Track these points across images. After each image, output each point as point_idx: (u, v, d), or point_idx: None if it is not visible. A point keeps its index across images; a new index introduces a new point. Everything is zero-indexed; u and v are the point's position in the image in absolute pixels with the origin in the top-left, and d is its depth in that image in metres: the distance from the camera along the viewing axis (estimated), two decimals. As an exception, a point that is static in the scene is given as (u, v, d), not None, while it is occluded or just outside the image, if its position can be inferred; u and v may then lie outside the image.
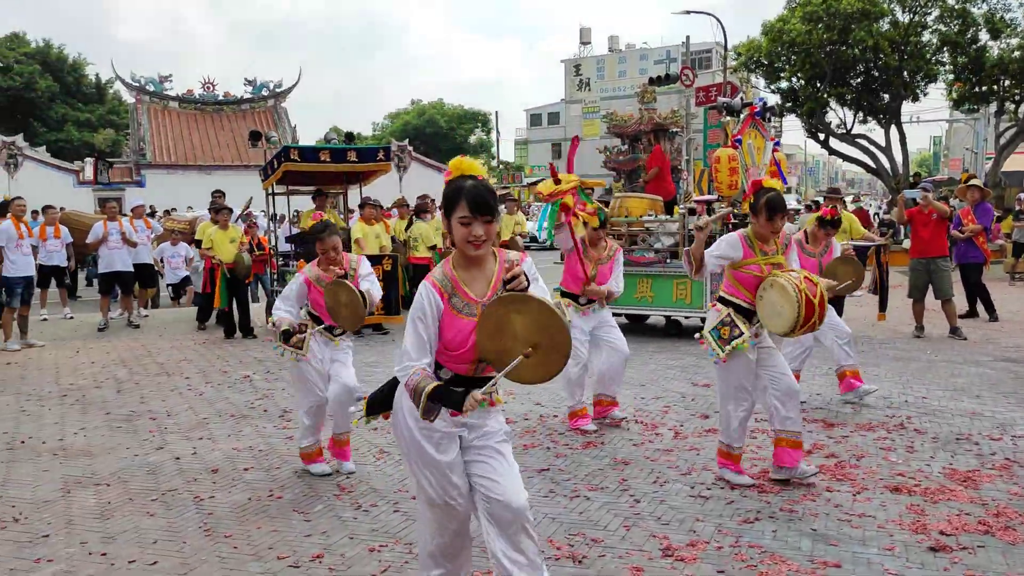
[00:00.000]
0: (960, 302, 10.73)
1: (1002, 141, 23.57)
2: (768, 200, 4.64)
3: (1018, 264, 15.88)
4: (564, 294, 6.29)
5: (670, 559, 3.82)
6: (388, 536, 4.16)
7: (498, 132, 61.59)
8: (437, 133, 61.84)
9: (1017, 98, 21.72)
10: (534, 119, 70.33)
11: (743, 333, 4.70)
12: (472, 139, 66.90)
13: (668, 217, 11.03)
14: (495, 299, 2.76)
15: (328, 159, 10.88)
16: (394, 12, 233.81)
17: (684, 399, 7.05)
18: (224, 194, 13.44)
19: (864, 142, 23.51)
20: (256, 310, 11.86)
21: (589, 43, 67.16)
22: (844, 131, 23.65)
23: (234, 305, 10.94)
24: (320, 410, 5.25)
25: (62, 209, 16.56)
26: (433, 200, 13.27)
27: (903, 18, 21.04)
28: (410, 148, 34.61)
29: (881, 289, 10.40)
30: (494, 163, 60.27)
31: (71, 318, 12.69)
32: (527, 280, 2.76)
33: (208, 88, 37.19)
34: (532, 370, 2.74)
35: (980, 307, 11.18)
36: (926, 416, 6.30)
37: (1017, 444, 5.49)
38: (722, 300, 4.90)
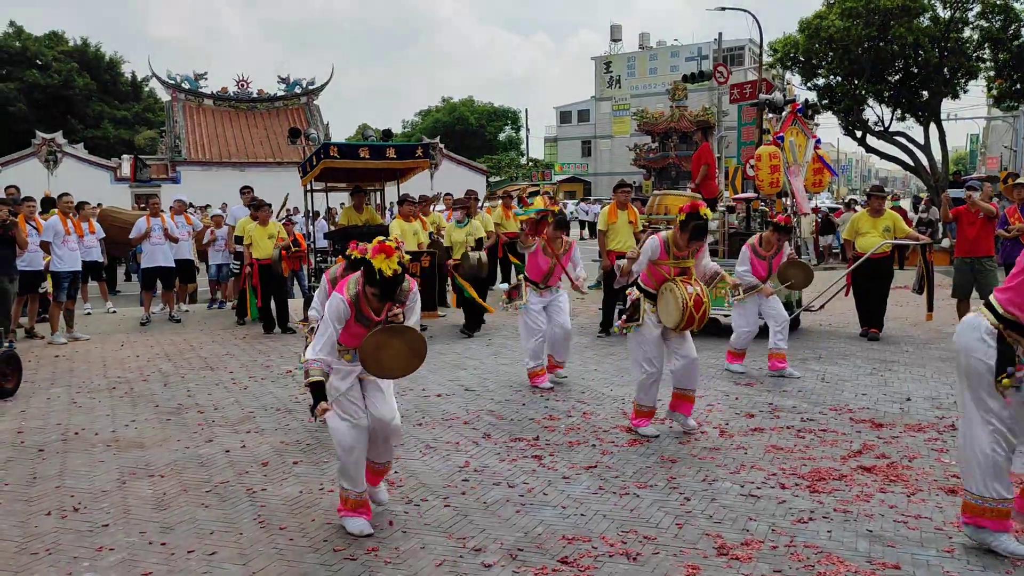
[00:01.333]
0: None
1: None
2: (695, 226, 5.63)
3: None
4: (527, 279, 7.65)
5: (725, 558, 3.81)
6: (440, 531, 4.18)
7: (528, 129, 61.66)
8: (467, 131, 61.93)
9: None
10: (564, 116, 70.23)
11: (639, 318, 5.86)
12: (502, 136, 66.93)
13: (710, 215, 10.96)
14: (382, 328, 3.99)
15: (367, 156, 10.94)
16: (425, 9, 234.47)
17: (728, 397, 7.01)
18: (252, 189, 13.53)
19: (902, 140, 23.20)
20: (294, 305, 11.96)
21: (620, 40, 66.93)
22: (882, 128, 23.35)
23: (272, 301, 11.05)
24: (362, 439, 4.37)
25: (99, 205, 16.83)
26: (476, 198, 13.35)
27: (944, 14, 20.73)
28: (441, 145, 34.73)
29: (928, 288, 10.26)
30: (524, 160, 60.26)
31: (114, 312, 12.88)
32: (403, 316, 4.08)
33: (242, 86, 37.53)
34: (398, 371, 4.10)
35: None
36: (976, 417, 6.21)
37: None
38: (636, 286, 5.99)
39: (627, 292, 6.11)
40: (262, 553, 3.95)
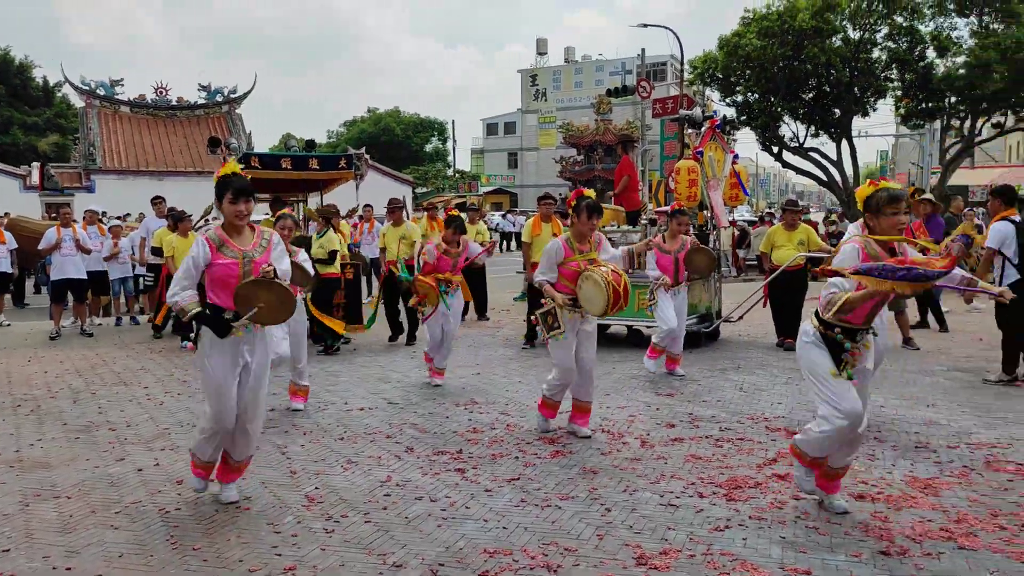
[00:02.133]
0: (912, 313, 11.00)
1: (948, 156, 24.25)
2: (587, 205, 5.88)
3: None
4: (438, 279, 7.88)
5: (644, 567, 3.86)
6: (360, 547, 4.12)
7: (455, 141, 61.70)
8: (393, 141, 61.66)
9: (962, 114, 22.37)
10: (491, 128, 70.52)
11: (560, 326, 5.94)
12: (428, 148, 66.84)
13: (630, 228, 11.15)
14: (251, 280, 4.42)
15: (290, 166, 10.79)
16: (352, 20, 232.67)
17: (649, 408, 7.11)
18: (164, 200, 13.07)
19: (816, 155, 23.99)
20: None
21: (545, 54, 67.65)
22: (797, 144, 24.12)
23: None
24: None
25: (6, 215, 16.14)
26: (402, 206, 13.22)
27: (854, 35, 21.56)
28: (367, 156, 34.38)
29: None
30: (451, 171, 60.23)
31: (7, 325, 12.38)
32: (275, 272, 4.48)
33: (161, 93, 36.60)
34: (269, 320, 4.54)
35: (931, 318, 11.47)
36: (885, 425, 6.44)
37: (973, 452, 5.65)
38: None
39: (542, 301, 6.19)
40: None
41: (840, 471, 4.56)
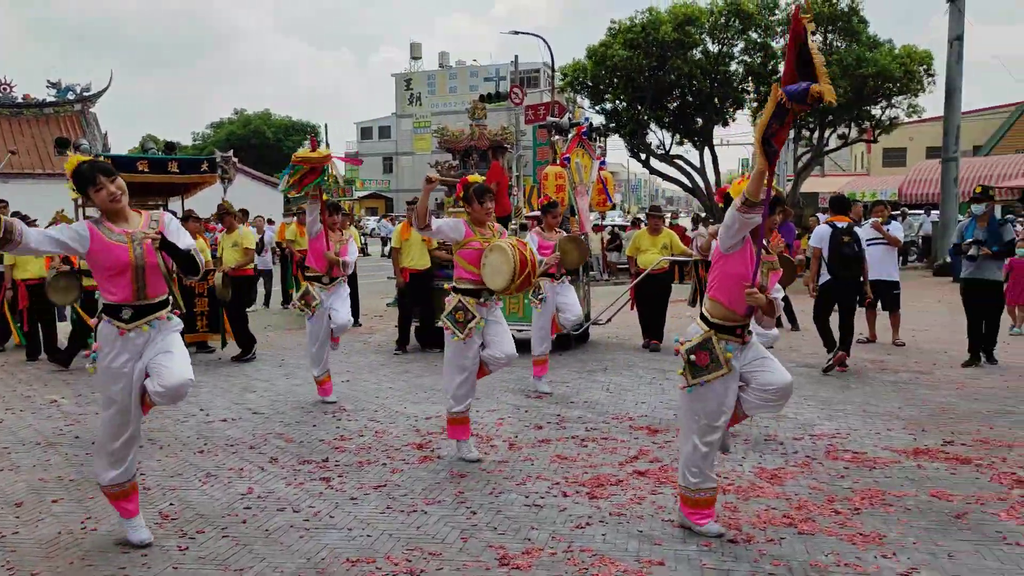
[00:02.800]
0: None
1: (799, 165, 25.69)
2: (475, 190, 5.71)
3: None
4: (308, 276, 7.52)
5: (506, 568, 3.91)
6: (216, 564, 4.00)
7: (328, 145, 60.40)
8: (264, 144, 59.91)
9: (811, 126, 23.74)
10: (365, 132, 69.73)
11: (475, 316, 5.60)
12: (301, 151, 65.30)
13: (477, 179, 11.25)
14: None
15: (146, 169, 10.33)
16: (219, 19, 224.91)
17: (518, 411, 7.21)
18: (7, 204, 12.24)
19: (681, 162, 24.91)
20: (63, 330, 11.02)
21: (420, 58, 67.49)
22: (663, 152, 24.97)
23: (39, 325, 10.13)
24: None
25: None
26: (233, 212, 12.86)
27: (713, 49, 22.53)
28: (235, 159, 33.32)
29: (700, 301, 11.07)
30: (324, 176, 59.11)
31: None
32: (162, 240, 4.02)
33: (5, 90, 34.30)
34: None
35: (784, 318, 12.11)
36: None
37: (816, 443, 6.01)
38: (455, 289, 5.77)
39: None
40: (11, 603, 3.61)
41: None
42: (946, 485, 5.02)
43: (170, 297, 4.25)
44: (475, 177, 6.03)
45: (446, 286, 6.18)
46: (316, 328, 7.48)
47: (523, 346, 10.17)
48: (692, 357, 4.17)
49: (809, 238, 16.41)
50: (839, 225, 9.01)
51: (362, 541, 4.25)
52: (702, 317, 4.27)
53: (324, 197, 7.52)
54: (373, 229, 36.20)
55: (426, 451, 5.95)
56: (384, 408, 7.34)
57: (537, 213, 11.14)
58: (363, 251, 32.71)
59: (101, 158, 10.05)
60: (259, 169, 39.10)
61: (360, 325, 12.90)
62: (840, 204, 9.56)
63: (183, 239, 4.13)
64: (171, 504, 4.84)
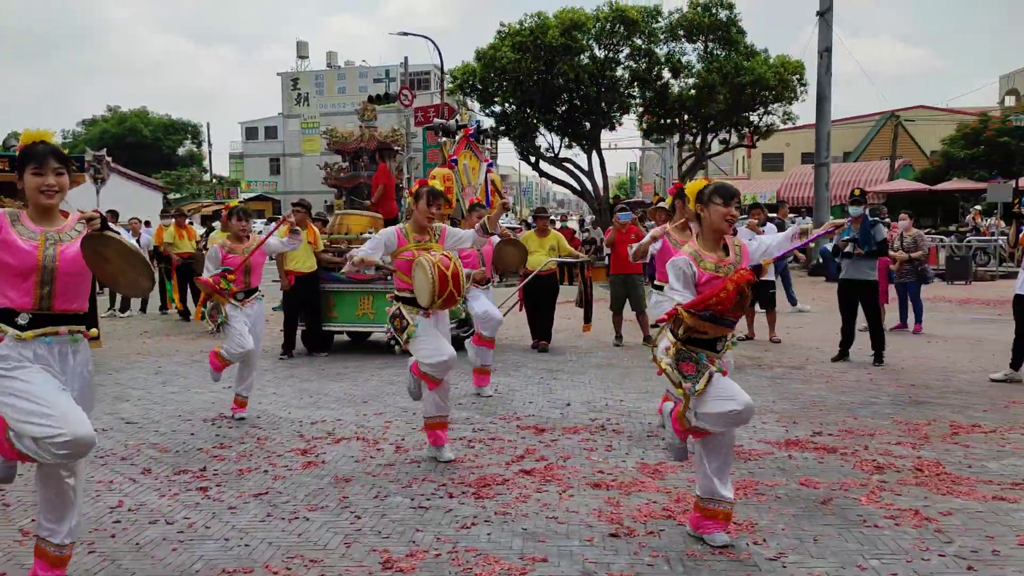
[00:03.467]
0: (652, 312, 11.89)
1: (684, 168, 26.56)
2: (428, 192, 5.57)
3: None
4: (225, 291, 6.82)
5: (390, 571, 3.87)
6: (84, 580, 3.81)
7: (210, 145, 58.63)
8: (141, 143, 57.59)
9: (695, 131, 24.60)
10: (250, 132, 67.84)
11: (411, 322, 5.51)
12: (181, 151, 63.08)
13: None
14: (84, 236, 3.39)
15: (6, 168, 9.75)
16: (92, 10, 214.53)
17: (406, 413, 7.16)
18: None
19: (570, 166, 25.33)
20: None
21: (307, 57, 66.19)
22: (552, 155, 25.33)
23: None
24: None
25: None
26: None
27: (600, 54, 23.02)
28: (108, 159, 31.86)
29: (586, 302, 11.29)
30: (207, 176, 57.25)
31: None
32: (102, 221, 3.41)
33: None
34: (134, 283, 3.60)
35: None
36: (623, 417, 6.92)
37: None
38: (394, 297, 5.70)
39: (387, 309, 5.79)
40: None
41: None
42: (814, 473, 5.27)
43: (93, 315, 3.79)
44: (435, 183, 5.90)
45: (390, 288, 6.07)
46: (233, 347, 6.83)
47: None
48: (678, 369, 3.98)
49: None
50: None
51: (239, 551, 4.13)
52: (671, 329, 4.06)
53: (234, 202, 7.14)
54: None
55: (310, 456, 5.83)
56: (267, 414, 7.16)
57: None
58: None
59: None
60: (136, 169, 37.56)
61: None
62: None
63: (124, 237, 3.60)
64: (32, 520, 4.57)
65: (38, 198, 3.46)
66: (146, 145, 57.96)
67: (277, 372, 9.19)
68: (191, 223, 16.80)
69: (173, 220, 14.11)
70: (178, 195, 48.24)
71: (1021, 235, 8.17)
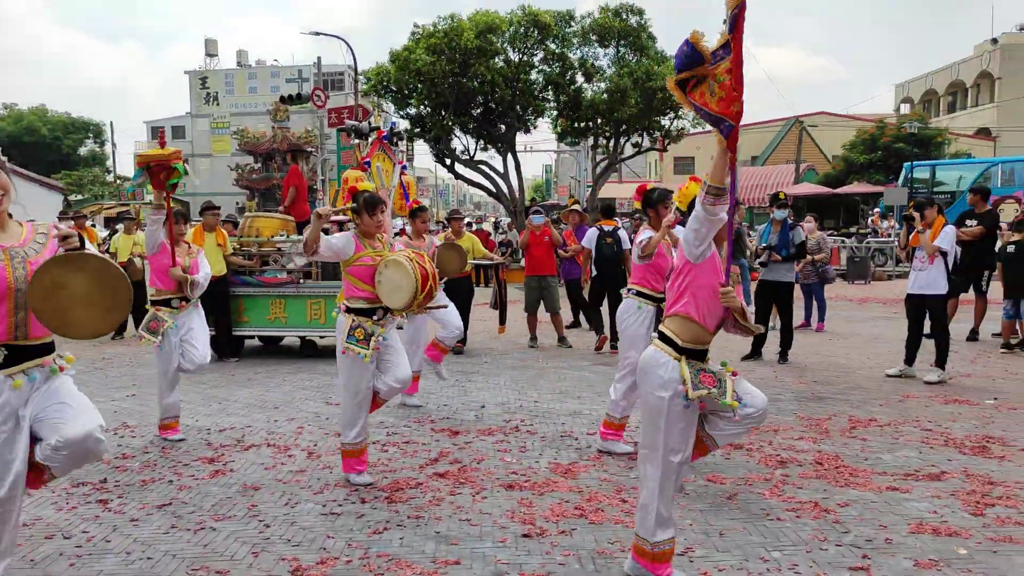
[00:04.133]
0: (566, 315, 12.02)
1: (598, 171, 26.90)
2: (366, 199, 5.23)
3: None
4: (155, 300, 6.40)
5: (299, 580, 3.82)
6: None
7: (114, 145, 56.57)
8: (39, 143, 55.12)
9: (608, 134, 24.91)
10: (156, 132, 65.61)
11: (374, 332, 5.14)
12: (83, 151, 60.63)
13: (300, 237, 10.98)
14: (52, 258, 3.00)
15: None
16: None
17: (318, 418, 7.05)
18: None
19: (485, 168, 25.36)
20: None
21: (216, 56, 64.50)
22: (468, 157, 25.30)
23: None
24: None
25: None
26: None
27: (514, 57, 23.10)
28: (4, 158, 30.37)
29: (501, 304, 11.34)
30: (111, 177, 55.18)
31: None
32: (80, 240, 3.05)
33: None
34: (93, 324, 3.07)
35: (583, 319, 12.61)
36: (537, 418, 6.98)
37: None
38: (346, 310, 5.24)
39: (337, 322, 5.35)
40: None
41: None
42: (721, 469, 5.42)
43: (53, 340, 3.34)
44: (366, 185, 5.54)
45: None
46: (165, 363, 6.34)
47: (329, 352, 9.98)
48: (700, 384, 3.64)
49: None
50: (605, 228, 10.37)
51: (141, 564, 4.00)
52: (666, 339, 3.69)
53: (171, 204, 6.34)
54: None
55: (218, 465, 5.68)
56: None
57: (339, 218, 10.98)
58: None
59: None
60: (33, 169, 35.95)
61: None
62: (608, 210, 11.44)
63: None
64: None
65: None
66: (45, 144, 55.50)
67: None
68: (93, 225, 16.19)
69: (73, 223, 13.55)
70: (80, 197, 46.34)
71: (911, 236, 8.57)
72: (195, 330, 6.42)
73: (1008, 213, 19.21)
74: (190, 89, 63.25)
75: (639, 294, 5.89)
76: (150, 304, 6.44)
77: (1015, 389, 7.92)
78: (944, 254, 8.21)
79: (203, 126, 61.59)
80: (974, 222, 10.50)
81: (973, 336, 10.83)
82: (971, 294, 10.99)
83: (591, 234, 10.53)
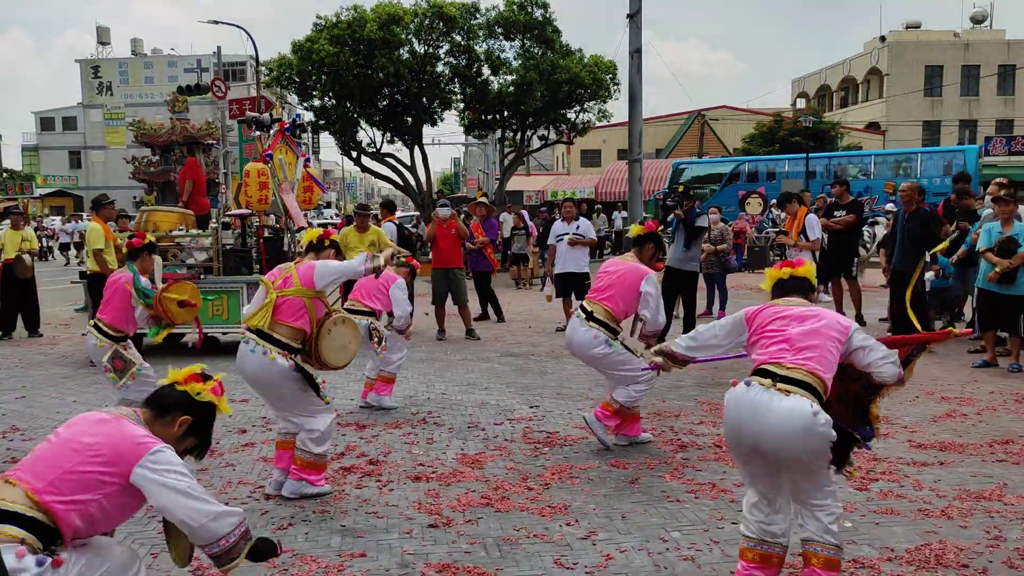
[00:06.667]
0: (474, 307, 12.06)
1: (505, 164, 27.04)
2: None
3: (521, 272, 18.38)
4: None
5: (200, 580, 3.75)
6: None
7: (0, 136, 53.72)
8: (-84, 133, 51.87)
9: (515, 127, 25.06)
10: (46, 123, 62.68)
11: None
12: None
13: (201, 232, 10.72)
14: None
15: None
16: None
17: (220, 416, 6.87)
18: None
19: (393, 161, 25.15)
20: None
21: (108, 44, 62.01)
22: (374, 150, 25.05)
23: None
24: None
25: None
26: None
27: (420, 49, 22.98)
28: None
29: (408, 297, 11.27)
30: (-4, 171, 52.45)
31: None
32: None
33: None
34: None
35: (491, 310, 12.68)
36: (445, 409, 7.00)
37: (514, 426, 6.38)
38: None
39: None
40: None
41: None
42: (624, 455, 5.56)
43: None
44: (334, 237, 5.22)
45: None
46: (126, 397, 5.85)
47: (232, 349, 9.80)
48: None
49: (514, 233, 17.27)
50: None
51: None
52: None
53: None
54: (61, 230, 32.75)
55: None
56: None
57: (241, 212, 10.74)
58: (44, 255, 29.51)
59: None
60: (-90, 162, 33.75)
61: (41, 335, 11.66)
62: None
63: None
64: None
65: None
66: (-79, 135, 52.33)
67: (79, 379, 8.60)
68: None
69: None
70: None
71: (776, 237, 9.16)
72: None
73: (753, 207, 21.54)
74: (82, 78, 60.63)
75: None
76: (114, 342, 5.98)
77: (899, 370, 8.37)
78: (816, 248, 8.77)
79: (96, 117, 59.20)
80: (842, 212, 11.02)
81: (859, 321, 11.36)
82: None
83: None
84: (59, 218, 39.43)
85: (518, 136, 25.77)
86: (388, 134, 24.74)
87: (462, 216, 13.80)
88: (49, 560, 2.60)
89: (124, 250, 9.72)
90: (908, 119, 43.77)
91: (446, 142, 60.13)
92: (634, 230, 6.16)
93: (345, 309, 5.78)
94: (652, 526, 4.30)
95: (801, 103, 53.90)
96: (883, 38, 47.08)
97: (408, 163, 24.90)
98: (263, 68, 24.63)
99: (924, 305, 9.46)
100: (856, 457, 5.31)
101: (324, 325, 4.76)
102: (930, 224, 9.44)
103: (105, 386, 8.08)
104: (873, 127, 45.61)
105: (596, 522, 4.36)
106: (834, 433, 3.25)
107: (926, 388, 7.46)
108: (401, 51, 22.46)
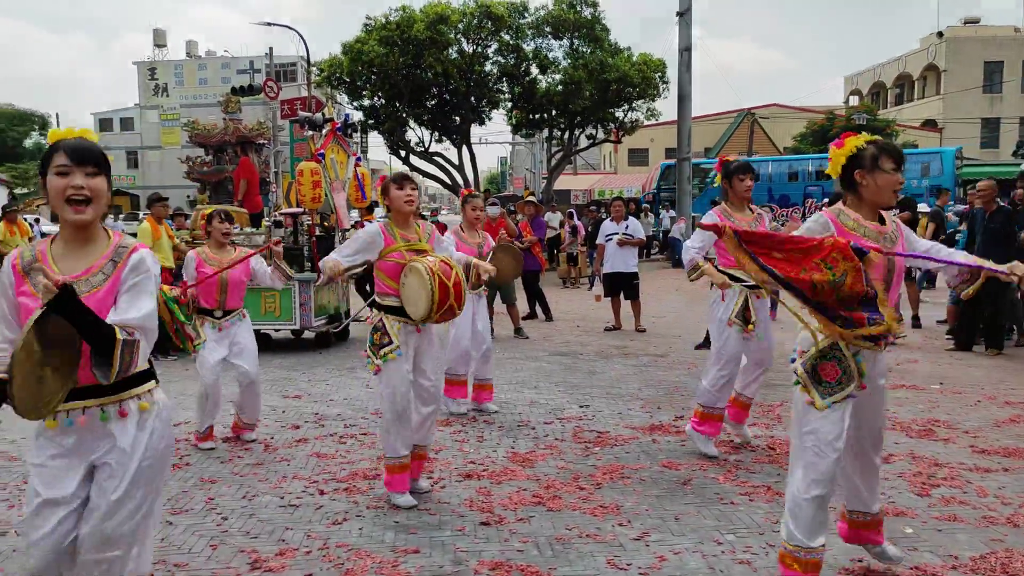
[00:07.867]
0: (522, 306, 12.07)
1: (552, 163, 27.02)
2: (392, 178, 4.76)
3: (570, 271, 18.36)
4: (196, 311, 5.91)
5: (259, 571, 3.81)
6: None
7: (58, 136, 55.13)
8: (-16, 134, 53.60)
9: (562, 126, 25.03)
10: (104, 124, 64.21)
11: (393, 342, 4.56)
12: (28, 143, 59.09)
13: (254, 230, 10.89)
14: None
15: None
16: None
17: (275, 412, 7.00)
18: None
19: (440, 160, 25.31)
20: None
21: (165, 46, 63.28)
22: (423, 149, 25.23)
23: None
24: None
25: None
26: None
27: (468, 48, 23.08)
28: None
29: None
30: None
31: None
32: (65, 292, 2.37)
33: None
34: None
35: (539, 309, 12.68)
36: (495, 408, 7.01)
37: (564, 426, 6.37)
38: (375, 304, 4.76)
39: (366, 319, 4.86)
40: None
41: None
42: (676, 456, 5.51)
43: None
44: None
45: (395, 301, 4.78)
46: (205, 389, 5.93)
47: (284, 346, 9.91)
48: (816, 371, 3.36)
49: (572, 234, 17.28)
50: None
51: (98, 561, 3.95)
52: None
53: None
54: (122, 229, 33.57)
55: (174, 459, 5.61)
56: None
57: (293, 210, 10.89)
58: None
59: None
60: (-24, 162, 34.89)
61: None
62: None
63: (135, 307, 2.63)
64: None
65: (63, 210, 2.59)
66: (-12, 137, 54.05)
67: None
68: (26, 219, 15.69)
69: (3, 218, 13.15)
70: (25, 191, 45.21)
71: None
72: (240, 345, 6.02)
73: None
74: (139, 80, 62.03)
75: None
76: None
77: (958, 374, 8.16)
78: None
79: (152, 118, 60.49)
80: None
81: (915, 323, 11.10)
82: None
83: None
84: (120, 217, 40.30)
85: (565, 135, 25.72)
86: (436, 133, 24.90)
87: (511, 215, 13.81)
88: None
89: (182, 246, 9.95)
90: (966, 116, 42.71)
91: (493, 141, 60.29)
92: None
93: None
94: (706, 528, 4.25)
95: (854, 100, 52.94)
96: (940, 34, 46.01)
97: (456, 162, 25.02)
98: (314, 68, 24.96)
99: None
100: (917, 463, 5.21)
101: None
102: (1012, 222, 9.13)
103: (167, 380, 8.28)
104: (930, 125, 44.59)
105: (649, 523, 4.33)
106: None
107: (988, 393, 7.28)
108: (449, 51, 22.57)
